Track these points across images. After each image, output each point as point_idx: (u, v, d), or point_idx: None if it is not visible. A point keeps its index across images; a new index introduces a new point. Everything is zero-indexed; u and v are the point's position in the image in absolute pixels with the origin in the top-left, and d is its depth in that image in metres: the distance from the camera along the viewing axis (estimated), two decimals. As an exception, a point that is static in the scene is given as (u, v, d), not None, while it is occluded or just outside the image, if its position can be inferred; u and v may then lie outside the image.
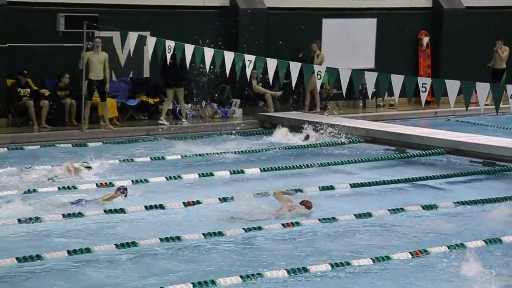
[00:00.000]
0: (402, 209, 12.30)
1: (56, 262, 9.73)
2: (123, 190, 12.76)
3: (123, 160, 15.48)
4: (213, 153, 16.28)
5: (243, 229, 11.12)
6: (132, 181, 13.72)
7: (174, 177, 14.10)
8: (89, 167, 14.26)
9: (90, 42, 18.44)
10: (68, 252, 10.00)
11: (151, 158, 15.70)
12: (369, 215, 12.02)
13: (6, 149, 16.22)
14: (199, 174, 14.35)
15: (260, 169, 14.96)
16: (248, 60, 15.88)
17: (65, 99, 18.53)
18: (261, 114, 20.31)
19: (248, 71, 16.25)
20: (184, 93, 19.61)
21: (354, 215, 11.97)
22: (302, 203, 12.08)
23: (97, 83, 18.12)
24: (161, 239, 10.57)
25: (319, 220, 11.69)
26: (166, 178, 14.05)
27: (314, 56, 21.27)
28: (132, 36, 17.14)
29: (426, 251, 10.30)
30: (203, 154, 16.20)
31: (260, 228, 11.19)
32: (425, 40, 23.97)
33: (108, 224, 11.47)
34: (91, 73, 18.07)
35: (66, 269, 9.58)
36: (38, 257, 9.75)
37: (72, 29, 18.42)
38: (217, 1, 21.10)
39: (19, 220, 11.28)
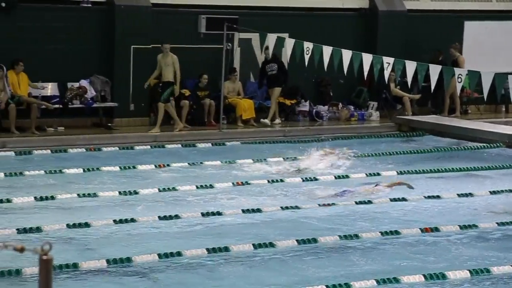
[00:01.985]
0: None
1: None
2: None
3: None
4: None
5: (380, 232, 11.03)
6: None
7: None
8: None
9: (229, 44, 18.72)
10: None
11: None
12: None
13: (149, 147, 16.65)
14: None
15: (397, 172, 14.81)
16: (387, 63, 15.72)
17: (205, 99, 18.88)
18: (398, 117, 20.08)
19: (386, 73, 16.11)
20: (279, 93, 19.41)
21: (497, 223, 11.65)
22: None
23: (161, 84, 18.05)
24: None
25: (459, 226, 11.45)
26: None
27: (454, 60, 20.85)
28: (271, 38, 17.29)
29: None
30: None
31: (397, 233, 11.07)
32: None
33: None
34: (162, 76, 18.00)
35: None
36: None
37: (213, 31, 18.75)
38: (356, 3, 21.02)
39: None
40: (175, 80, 17.85)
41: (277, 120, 19.25)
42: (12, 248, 3.79)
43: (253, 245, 10.36)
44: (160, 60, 17.92)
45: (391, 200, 12.88)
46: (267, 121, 19.07)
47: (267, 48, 18.33)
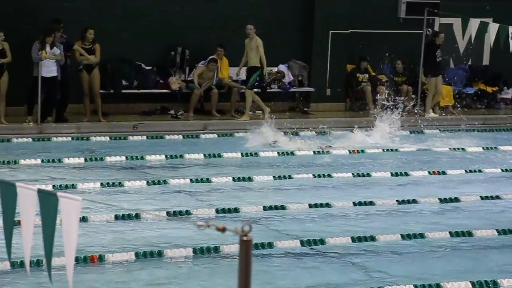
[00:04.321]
0: None
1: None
2: None
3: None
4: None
5: None
6: None
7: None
8: None
9: (429, 29, 18.35)
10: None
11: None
12: None
13: (344, 131, 16.57)
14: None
15: None
16: None
17: (402, 85, 18.64)
18: None
19: None
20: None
21: None
22: None
23: (247, 69, 17.25)
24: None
25: None
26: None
27: None
28: (474, 23, 16.80)
29: None
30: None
31: None
32: None
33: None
34: (247, 61, 17.11)
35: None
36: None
37: (413, 16, 18.45)
38: None
39: None
40: (261, 65, 16.95)
41: (432, 114, 17.91)
42: (214, 227, 3.90)
43: (450, 233, 10.16)
44: (246, 44, 17.08)
45: None
46: (433, 114, 18.24)
47: (439, 32, 17.83)
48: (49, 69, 15.47)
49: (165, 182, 12.26)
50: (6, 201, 4.77)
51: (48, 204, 4.54)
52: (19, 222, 4.83)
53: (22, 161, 13.11)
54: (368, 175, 13.16)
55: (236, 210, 10.96)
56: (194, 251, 9.35)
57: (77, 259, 8.49)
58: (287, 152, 14.53)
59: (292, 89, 18.31)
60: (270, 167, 13.64)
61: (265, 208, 11.10)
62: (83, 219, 9.98)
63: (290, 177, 12.85)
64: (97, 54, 16.31)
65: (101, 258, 9.01)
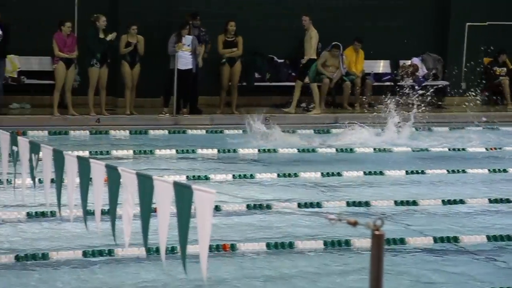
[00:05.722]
0: None
1: None
2: None
3: None
4: None
5: None
6: None
7: None
8: None
9: None
10: None
11: None
12: None
13: (480, 128, 16.19)
14: None
15: None
16: None
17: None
18: None
19: None
20: None
21: None
22: None
23: (304, 62, 16.89)
24: None
25: None
26: None
27: None
28: None
29: None
30: None
31: None
32: None
33: None
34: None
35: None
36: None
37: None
38: None
39: None
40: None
41: None
42: (345, 221, 3.89)
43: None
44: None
45: None
46: None
47: None
48: (184, 61, 15.79)
49: (295, 175, 12.30)
50: (143, 193, 4.91)
51: (183, 197, 4.63)
52: (155, 210, 4.97)
53: (158, 152, 13.43)
54: (505, 171, 12.82)
55: (367, 204, 10.88)
56: (325, 243, 9.34)
57: (209, 247, 8.61)
58: (421, 148, 14.31)
59: (426, 83, 18.01)
60: (403, 161, 13.48)
61: (396, 203, 10.97)
62: (216, 208, 10.14)
63: (423, 172, 12.66)
64: (239, 46, 16.49)
65: (233, 247, 9.13)
